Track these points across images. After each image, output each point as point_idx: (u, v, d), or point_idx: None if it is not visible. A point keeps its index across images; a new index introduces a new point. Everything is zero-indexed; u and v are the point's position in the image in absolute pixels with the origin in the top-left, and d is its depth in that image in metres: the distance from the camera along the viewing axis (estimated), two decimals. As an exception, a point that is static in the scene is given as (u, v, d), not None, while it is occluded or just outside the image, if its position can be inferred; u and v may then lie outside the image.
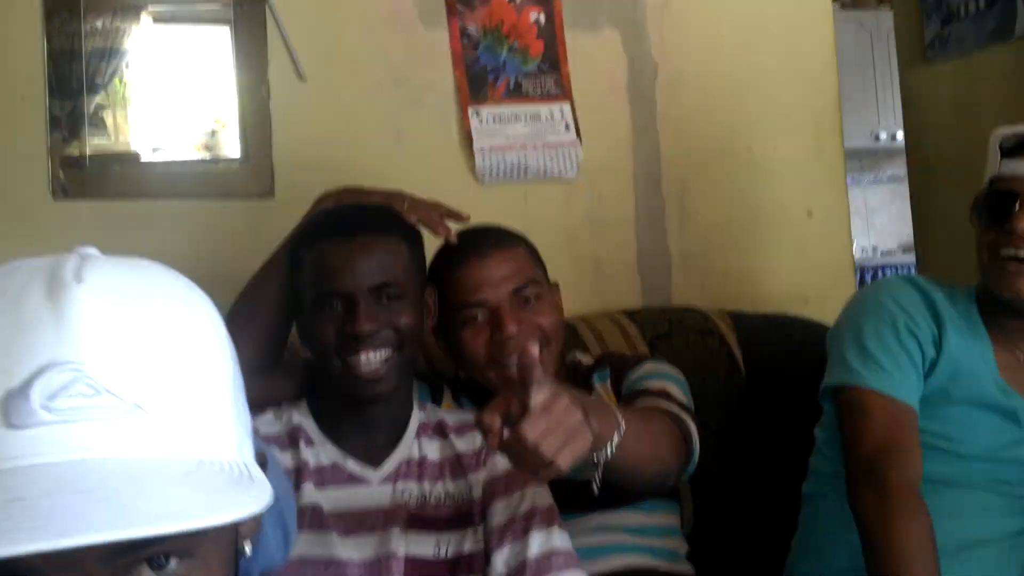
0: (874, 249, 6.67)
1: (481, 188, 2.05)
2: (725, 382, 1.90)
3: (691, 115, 2.17)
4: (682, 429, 1.39)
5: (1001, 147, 1.53)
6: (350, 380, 1.37)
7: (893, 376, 1.51)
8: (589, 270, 2.10)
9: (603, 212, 2.12)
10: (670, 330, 1.93)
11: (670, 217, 2.16)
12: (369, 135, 1.99)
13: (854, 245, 7.56)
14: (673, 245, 2.15)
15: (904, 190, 3.79)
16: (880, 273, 5.32)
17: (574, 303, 1.84)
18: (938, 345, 1.54)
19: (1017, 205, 1.47)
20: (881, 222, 6.93)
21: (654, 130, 2.16)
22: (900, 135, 4.00)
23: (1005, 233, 1.49)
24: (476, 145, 2.04)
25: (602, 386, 1.59)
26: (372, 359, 1.36)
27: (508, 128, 2.06)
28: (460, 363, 1.59)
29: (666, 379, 1.52)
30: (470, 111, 2.04)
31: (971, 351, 1.56)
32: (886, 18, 3.87)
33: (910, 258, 4.11)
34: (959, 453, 1.54)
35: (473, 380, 1.59)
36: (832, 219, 2.29)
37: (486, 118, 2.05)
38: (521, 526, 1.31)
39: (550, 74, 2.10)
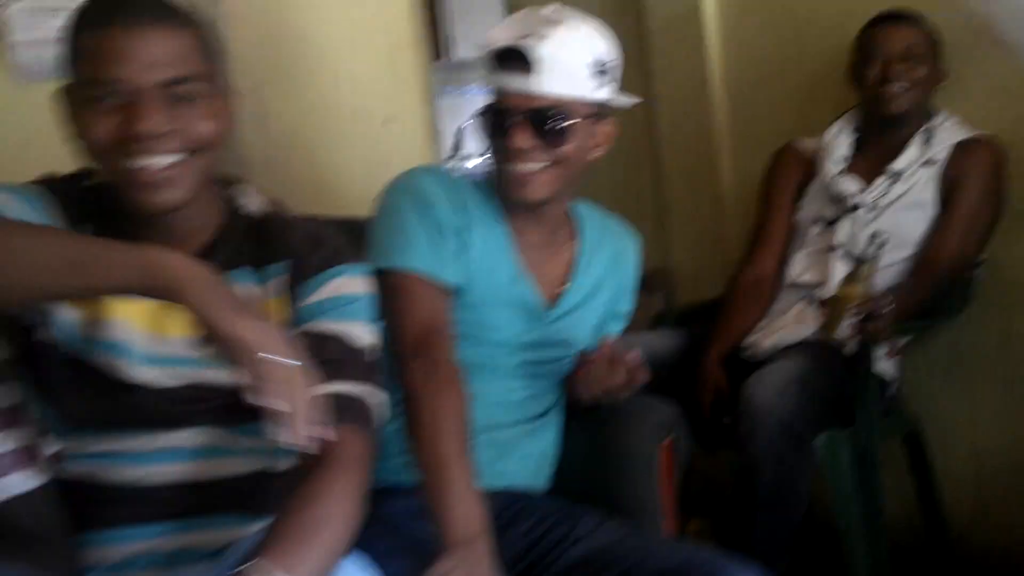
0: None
1: (23, 89, 1.88)
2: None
3: (265, 12, 2.09)
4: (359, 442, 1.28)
5: (488, 60, 1.59)
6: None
7: (433, 258, 1.56)
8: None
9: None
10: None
11: (247, 124, 2.08)
12: None
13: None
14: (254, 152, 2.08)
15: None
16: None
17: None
18: (467, 232, 1.60)
19: (510, 122, 1.56)
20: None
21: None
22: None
23: (503, 149, 1.58)
24: (12, 39, 1.87)
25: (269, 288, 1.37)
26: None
27: (53, 21, 1.88)
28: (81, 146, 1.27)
29: (352, 314, 1.35)
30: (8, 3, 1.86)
31: (493, 240, 1.63)
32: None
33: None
34: (485, 340, 1.62)
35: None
36: (413, 128, 2.30)
37: (23, 9, 1.87)
38: None
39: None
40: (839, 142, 2.47)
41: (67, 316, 1.27)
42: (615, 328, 1.80)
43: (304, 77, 2.15)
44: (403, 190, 1.62)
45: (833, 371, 2.19)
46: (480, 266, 1.61)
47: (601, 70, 1.58)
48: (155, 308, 1.26)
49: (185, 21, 1.25)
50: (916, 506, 2.50)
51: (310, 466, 1.20)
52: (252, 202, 1.40)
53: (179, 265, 1.11)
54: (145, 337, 1.28)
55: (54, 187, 1.31)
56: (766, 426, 2.06)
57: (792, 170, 2.56)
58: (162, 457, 1.28)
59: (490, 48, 1.58)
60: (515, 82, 1.55)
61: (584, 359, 1.64)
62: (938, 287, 2.31)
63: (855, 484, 2.19)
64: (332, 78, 2.17)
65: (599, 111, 1.61)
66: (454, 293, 1.59)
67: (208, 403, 1.29)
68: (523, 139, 1.55)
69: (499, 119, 1.57)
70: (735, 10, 2.95)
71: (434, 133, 2.41)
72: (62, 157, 1.88)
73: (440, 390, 1.46)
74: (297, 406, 1.11)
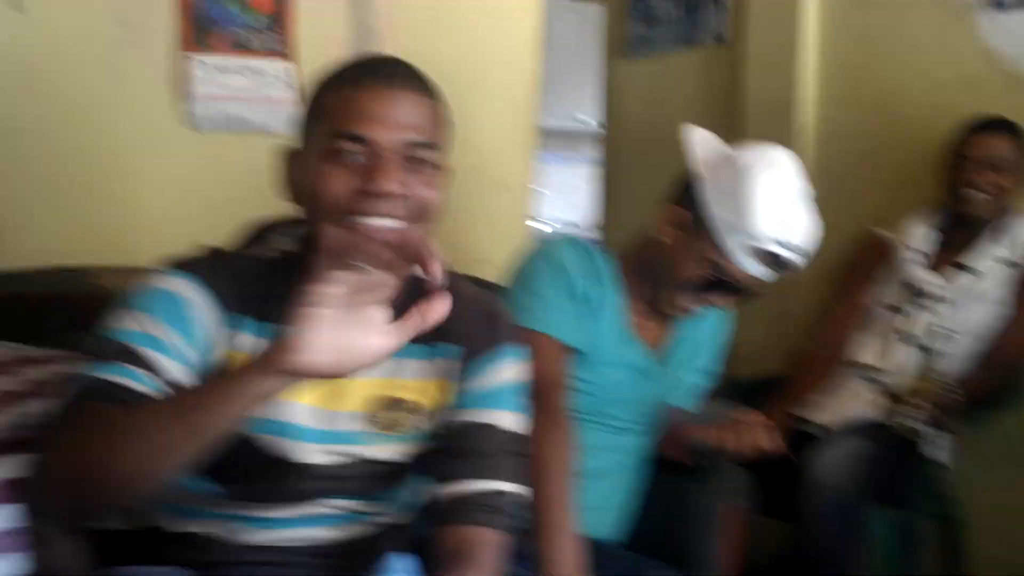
0: (569, 224, 7.24)
1: (199, 136, 2.13)
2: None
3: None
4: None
5: (755, 248, 1.69)
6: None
7: (562, 322, 1.72)
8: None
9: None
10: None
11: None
12: (86, 72, 2.03)
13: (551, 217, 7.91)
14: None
15: (595, 173, 4.14)
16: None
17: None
18: (598, 300, 1.76)
19: (728, 292, 1.73)
20: (580, 200, 7.43)
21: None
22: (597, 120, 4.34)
23: (702, 301, 1.76)
24: (197, 92, 2.12)
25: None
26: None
27: (230, 79, 2.16)
28: (302, 200, 1.25)
29: (510, 404, 1.38)
30: (192, 58, 2.11)
31: (614, 307, 1.80)
32: (599, 13, 4.19)
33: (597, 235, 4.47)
34: (589, 395, 1.79)
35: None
36: (521, 190, 2.52)
37: (208, 67, 2.14)
38: None
39: (276, 32, 2.20)
40: (919, 233, 2.62)
41: None
42: (700, 385, 1.97)
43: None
44: (542, 257, 1.79)
45: (889, 453, 2.32)
46: (603, 330, 1.78)
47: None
48: (324, 383, 1.22)
49: (433, 90, 1.25)
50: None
51: (448, 564, 1.25)
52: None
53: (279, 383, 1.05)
54: (314, 415, 1.27)
55: (214, 270, 1.26)
56: (827, 501, 2.20)
57: (872, 257, 2.72)
58: (303, 523, 1.30)
59: (760, 242, 1.68)
60: (760, 272, 1.71)
61: (708, 420, 1.80)
62: (1006, 381, 2.44)
63: (897, 564, 2.32)
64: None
65: None
66: (575, 353, 1.75)
67: (362, 477, 1.31)
68: (725, 302, 1.77)
69: (721, 286, 1.74)
70: (833, 99, 3.10)
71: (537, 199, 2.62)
72: (217, 201, 2.13)
73: (552, 437, 1.60)
74: None
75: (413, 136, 1.19)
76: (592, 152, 6.61)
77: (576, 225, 7.12)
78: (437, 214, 1.24)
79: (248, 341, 1.24)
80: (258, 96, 2.18)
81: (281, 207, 1.31)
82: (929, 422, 2.18)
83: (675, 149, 1.82)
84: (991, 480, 2.65)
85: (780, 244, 1.67)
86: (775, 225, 1.67)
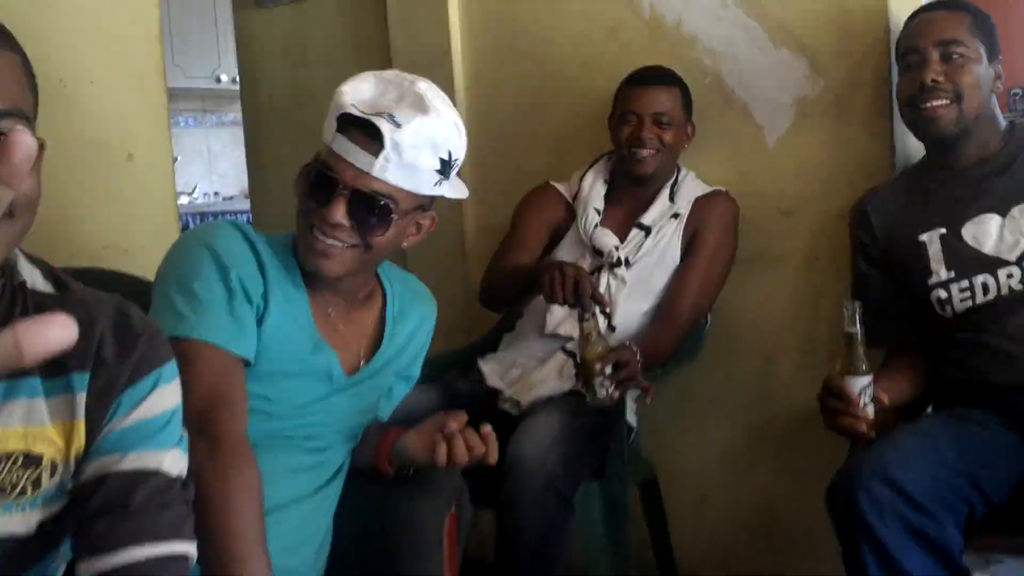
0: (216, 194, 6.66)
1: None
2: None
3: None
4: None
5: (337, 118, 1.48)
6: None
7: (223, 326, 1.43)
8: None
9: None
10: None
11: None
12: None
13: (197, 190, 7.51)
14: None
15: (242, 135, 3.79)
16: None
17: None
18: (265, 299, 1.50)
19: (336, 193, 1.46)
20: (224, 167, 6.92)
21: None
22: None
23: (317, 216, 1.48)
24: None
25: None
26: None
27: None
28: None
29: (168, 439, 1.11)
30: None
31: (291, 308, 1.54)
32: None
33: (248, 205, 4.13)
34: (274, 413, 1.52)
35: None
36: (155, 163, 2.12)
37: None
38: None
39: None
40: (592, 193, 2.53)
41: None
42: (402, 392, 1.76)
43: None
44: (201, 248, 1.48)
45: (587, 423, 2.22)
46: (276, 335, 1.50)
47: (447, 167, 1.51)
48: None
49: (6, 39, 1.01)
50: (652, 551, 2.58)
51: None
52: (34, 274, 1.10)
53: None
54: None
55: None
56: (533, 487, 2.05)
57: (548, 207, 2.58)
58: None
59: (343, 109, 1.46)
60: (358, 156, 1.45)
61: (436, 428, 1.58)
62: (682, 335, 2.42)
63: (607, 536, 2.23)
64: (69, 106, 1.98)
65: (428, 203, 1.56)
66: (245, 364, 1.47)
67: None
68: (343, 215, 1.46)
69: (325, 185, 1.47)
70: (481, 55, 2.97)
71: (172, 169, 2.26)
72: None
73: (228, 468, 1.33)
74: None
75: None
76: (232, 113, 6.20)
77: (221, 196, 6.59)
78: (32, 205, 0.97)
79: None
80: None
81: None
82: (619, 386, 2.11)
83: (323, 104, 1.56)
84: (674, 433, 2.71)
85: (365, 107, 1.45)
86: (351, 90, 1.47)
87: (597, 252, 2.47)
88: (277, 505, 1.46)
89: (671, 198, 2.49)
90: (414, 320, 1.71)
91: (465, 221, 2.99)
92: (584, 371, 2.10)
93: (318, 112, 1.59)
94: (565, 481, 2.09)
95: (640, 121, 2.43)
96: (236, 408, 1.42)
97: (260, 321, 1.49)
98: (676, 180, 2.52)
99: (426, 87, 1.49)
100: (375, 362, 1.64)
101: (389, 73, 1.51)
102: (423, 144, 1.45)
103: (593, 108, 2.67)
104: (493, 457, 1.56)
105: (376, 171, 1.44)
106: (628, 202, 2.52)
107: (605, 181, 2.56)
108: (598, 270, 2.43)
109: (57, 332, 0.63)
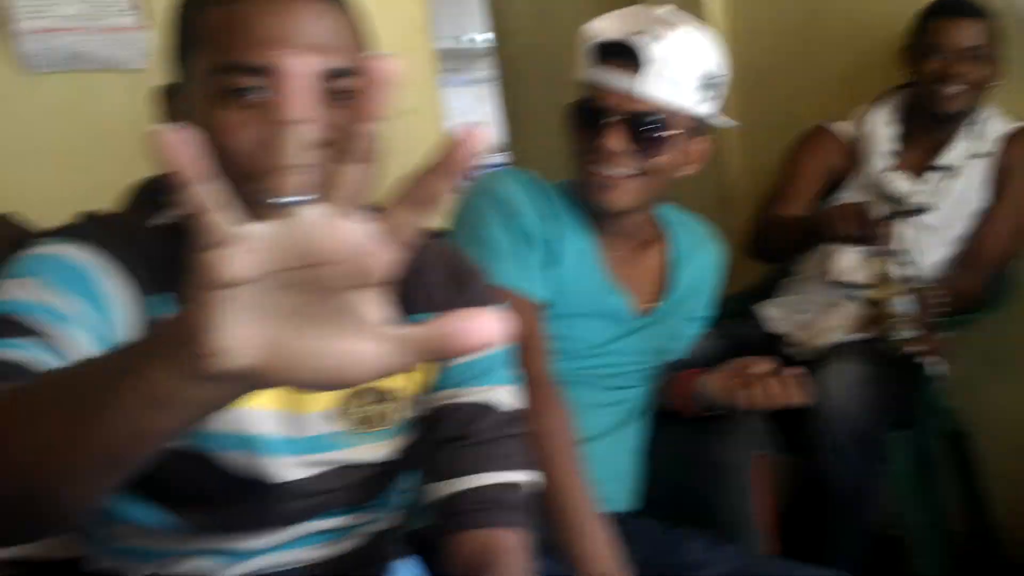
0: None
1: (32, 78, 1.76)
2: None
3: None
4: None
5: (590, 52, 1.47)
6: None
7: (516, 271, 1.45)
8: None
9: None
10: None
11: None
12: None
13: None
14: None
15: (491, 92, 3.85)
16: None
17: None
18: (556, 243, 1.50)
19: (605, 121, 1.44)
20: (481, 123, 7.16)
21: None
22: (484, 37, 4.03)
23: (593, 150, 1.46)
24: (22, 27, 1.72)
25: None
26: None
27: (60, 8, 1.74)
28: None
29: (501, 377, 1.14)
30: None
31: (581, 251, 1.53)
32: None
33: (503, 158, 4.18)
34: (572, 352, 1.52)
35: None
36: (427, 119, 2.18)
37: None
38: None
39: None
40: (882, 133, 2.36)
41: None
42: (694, 334, 1.72)
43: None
44: (487, 197, 1.50)
45: (891, 372, 2.08)
46: (570, 277, 1.50)
47: (709, 83, 1.47)
48: None
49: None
50: (965, 508, 2.41)
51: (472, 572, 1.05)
52: None
53: None
54: (279, 421, 1.02)
55: (113, 239, 0.95)
56: (840, 431, 1.97)
57: (825, 153, 2.42)
58: (288, 547, 1.07)
59: (595, 40, 1.46)
60: (618, 80, 1.43)
61: (740, 371, 1.55)
62: (988, 279, 2.25)
63: (918, 488, 2.13)
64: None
65: (698, 126, 1.50)
66: (543, 307, 1.48)
67: (347, 487, 1.08)
68: (617, 142, 1.43)
69: (593, 117, 1.45)
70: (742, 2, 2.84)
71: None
72: (64, 149, 1.82)
73: (547, 411, 1.37)
74: None
75: (333, 61, 0.90)
76: (485, 72, 6.31)
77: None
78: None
79: None
80: (97, 26, 1.78)
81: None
82: (922, 334, 1.98)
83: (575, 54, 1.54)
84: (987, 388, 2.49)
85: (617, 32, 1.43)
86: (599, 24, 1.47)
87: (890, 198, 2.32)
88: (585, 438, 1.47)
89: (974, 136, 2.30)
90: (700, 263, 1.68)
91: (729, 165, 2.88)
92: (881, 314, 1.99)
93: (571, 63, 1.57)
94: (873, 428, 1.99)
95: (950, 56, 2.23)
96: (541, 348, 1.44)
97: (553, 264, 1.49)
98: (978, 117, 2.32)
99: (671, 8, 1.48)
100: (662, 304, 1.62)
101: (633, 8, 1.49)
102: (680, 56, 1.43)
103: (874, 42, 2.48)
104: (801, 399, 1.50)
105: (637, 89, 1.43)
106: (924, 142, 2.34)
107: (898, 121, 2.38)
108: (892, 217, 2.28)
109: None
